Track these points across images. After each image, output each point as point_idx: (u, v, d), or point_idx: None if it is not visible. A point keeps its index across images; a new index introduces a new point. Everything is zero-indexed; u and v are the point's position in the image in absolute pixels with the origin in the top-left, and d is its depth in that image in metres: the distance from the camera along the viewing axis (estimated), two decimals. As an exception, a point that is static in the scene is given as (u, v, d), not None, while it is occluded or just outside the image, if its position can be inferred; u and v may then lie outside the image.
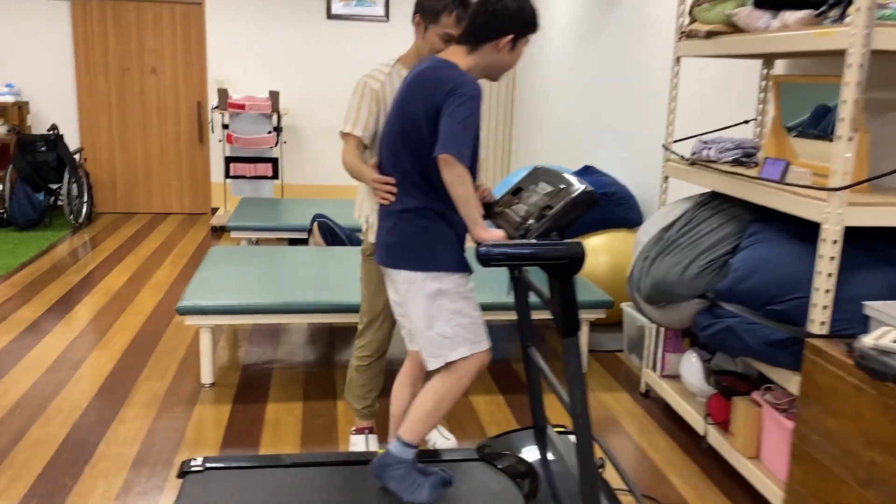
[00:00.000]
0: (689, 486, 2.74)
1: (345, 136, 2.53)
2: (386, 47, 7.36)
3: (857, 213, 2.19)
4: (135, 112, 7.26)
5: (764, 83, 3.20)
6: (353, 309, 3.39)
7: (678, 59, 3.19)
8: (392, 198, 2.24)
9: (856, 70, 2.08)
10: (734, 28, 2.79)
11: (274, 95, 6.73)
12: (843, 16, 2.26)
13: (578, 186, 2.01)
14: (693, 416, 2.97)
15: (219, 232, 6.72)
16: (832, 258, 2.20)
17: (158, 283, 5.04)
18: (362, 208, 2.70)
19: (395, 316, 2.48)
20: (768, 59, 3.17)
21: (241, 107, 6.68)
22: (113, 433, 2.97)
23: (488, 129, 7.06)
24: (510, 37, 2.14)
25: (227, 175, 6.78)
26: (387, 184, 2.24)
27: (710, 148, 3.06)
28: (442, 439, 2.92)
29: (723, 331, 2.51)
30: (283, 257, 4.12)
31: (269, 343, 4.00)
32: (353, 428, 2.89)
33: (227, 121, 6.93)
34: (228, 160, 6.77)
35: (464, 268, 2.21)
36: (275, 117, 6.87)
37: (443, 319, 2.19)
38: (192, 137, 7.38)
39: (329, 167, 7.56)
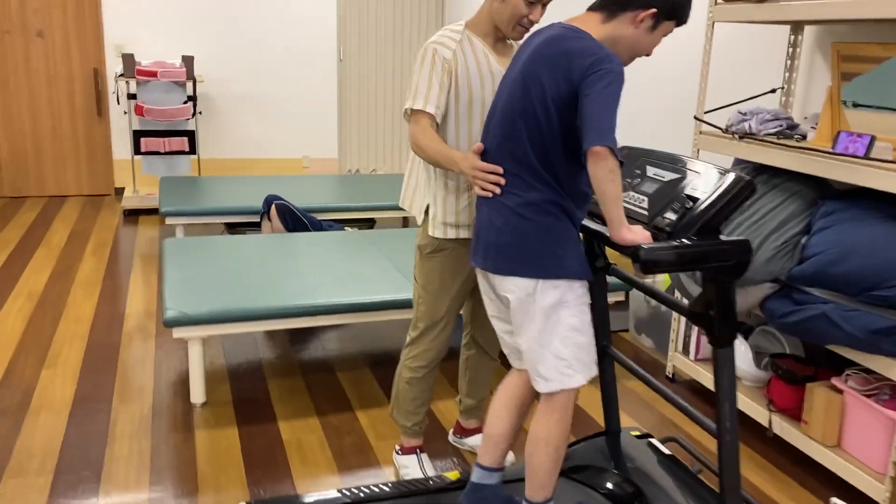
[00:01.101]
0: (762, 477, 2.62)
1: (415, 113, 2.15)
2: (311, 1, 6.79)
3: (978, 193, 2.08)
4: (19, 82, 6.32)
5: (791, 50, 3.07)
6: (372, 308, 3.02)
7: (713, 25, 2.99)
8: (498, 189, 1.90)
9: None
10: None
11: (188, 61, 6.03)
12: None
13: (726, 175, 1.76)
14: (744, 402, 2.84)
15: (133, 216, 6.01)
16: (949, 240, 2.08)
17: (87, 280, 4.39)
18: (416, 196, 2.34)
19: (497, 332, 2.14)
20: (797, 25, 3.04)
21: (153, 74, 5.94)
22: (109, 480, 2.48)
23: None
24: (652, 11, 1.83)
25: (136, 151, 6.05)
26: (494, 173, 1.91)
27: (750, 119, 2.90)
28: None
29: (815, 318, 2.37)
30: (257, 249, 3.64)
31: (248, 348, 3.55)
32: (399, 447, 2.56)
33: (133, 90, 6.16)
34: (137, 134, 6.04)
35: (587, 274, 1.91)
36: (189, 85, 6.18)
37: (559, 337, 1.88)
38: (90, 110, 6.53)
39: (248, 139, 6.94)
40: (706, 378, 3.08)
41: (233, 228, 5.39)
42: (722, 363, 1.79)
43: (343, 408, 3.00)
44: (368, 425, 2.87)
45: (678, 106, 3.96)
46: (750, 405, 2.82)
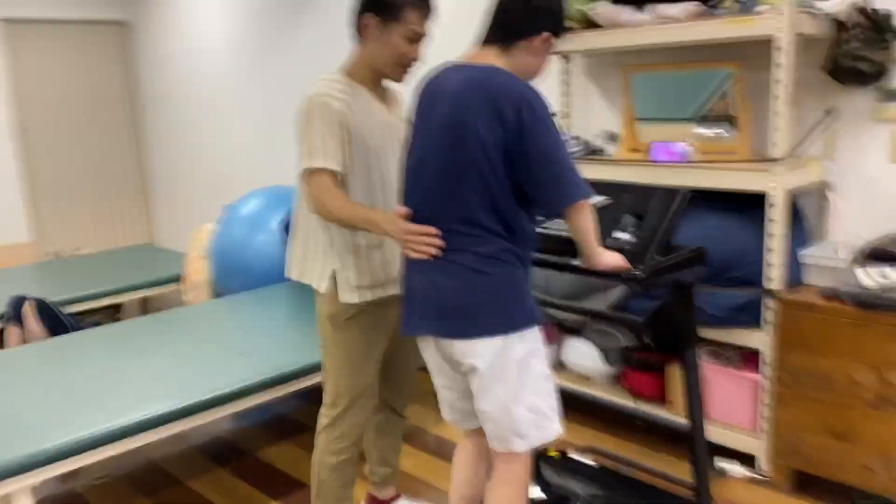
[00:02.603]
0: (653, 461, 2.83)
1: (315, 173, 1.93)
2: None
3: (791, 178, 2.50)
4: None
5: (565, 77, 3.39)
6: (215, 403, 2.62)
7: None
8: (434, 251, 1.77)
9: (789, 53, 2.36)
10: (589, 24, 2.90)
11: None
12: (717, 5, 2.54)
13: (676, 192, 1.90)
14: (607, 398, 3.04)
15: None
16: (776, 220, 2.48)
17: None
18: (312, 263, 2.11)
19: (447, 399, 1.99)
20: (565, 55, 3.36)
21: None
22: None
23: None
24: (546, 35, 1.83)
25: None
26: (428, 234, 1.77)
27: (556, 142, 3.14)
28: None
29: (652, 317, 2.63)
30: (45, 362, 2.94)
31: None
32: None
33: None
34: None
35: (541, 316, 1.85)
36: None
37: (532, 389, 1.80)
38: None
39: None
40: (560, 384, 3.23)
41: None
42: (689, 363, 1.91)
43: (219, 522, 2.56)
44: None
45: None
46: (611, 399, 3.03)
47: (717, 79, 2.74)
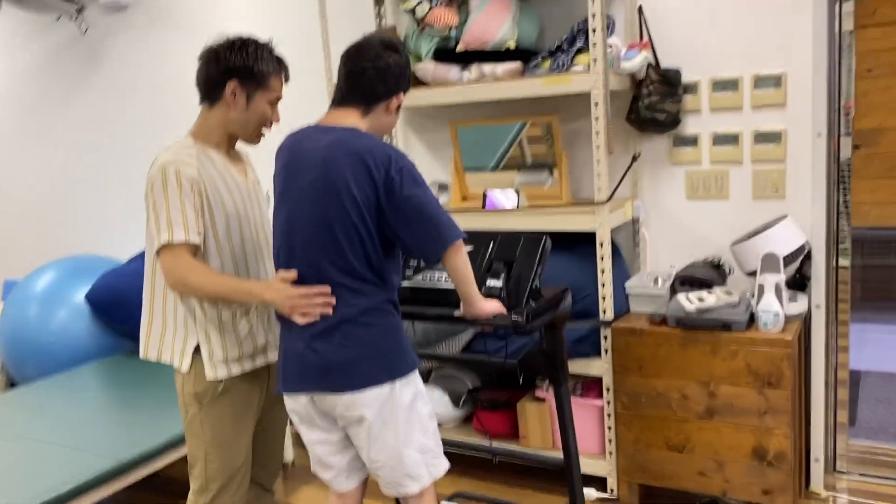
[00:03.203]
0: (515, 496, 2.92)
1: (173, 247, 1.82)
2: None
3: (613, 218, 2.76)
4: None
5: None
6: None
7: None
8: (329, 309, 1.79)
9: (602, 105, 2.62)
10: (415, 81, 3.01)
11: None
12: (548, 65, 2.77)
13: (542, 238, 2.02)
14: (463, 440, 3.10)
15: None
16: (605, 257, 2.72)
17: None
18: (170, 340, 1.96)
19: (320, 457, 1.93)
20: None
21: None
22: None
23: None
24: (400, 95, 1.93)
25: None
26: (320, 294, 1.79)
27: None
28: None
29: (527, 344, 2.77)
30: None
31: None
32: None
33: None
34: None
35: (418, 359, 1.92)
36: None
37: (420, 430, 1.88)
38: None
39: None
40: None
41: None
42: (564, 398, 2.03)
43: None
44: None
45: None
46: (464, 446, 3.10)
47: (514, 130, 2.99)
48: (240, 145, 2.09)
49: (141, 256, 3.73)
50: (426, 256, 1.84)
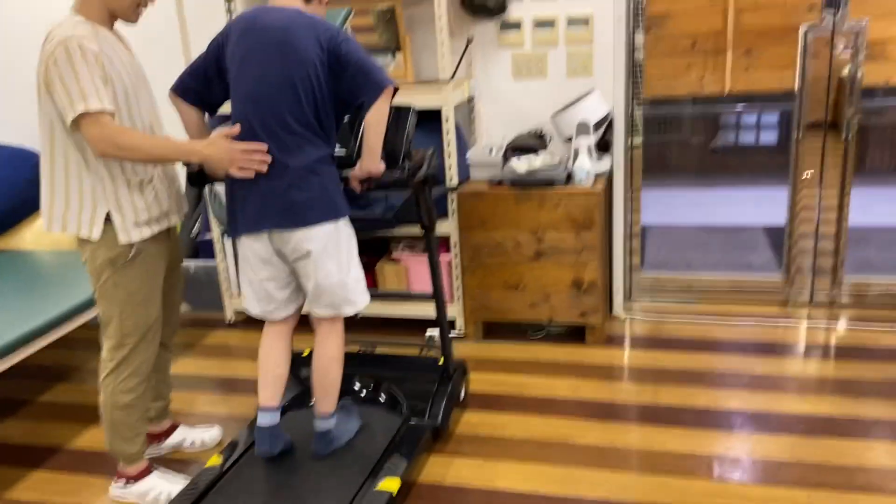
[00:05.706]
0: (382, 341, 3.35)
1: (93, 115, 1.94)
2: None
3: (455, 96, 3.14)
4: None
5: (230, 10, 3.57)
6: None
7: None
8: (264, 167, 2.09)
9: (444, -6, 2.94)
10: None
11: None
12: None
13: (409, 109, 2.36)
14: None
15: None
16: (450, 131, 3.12)
17: None
18: (76, 210, 2.10)
19: (267, 291, 2.25)
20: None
21: None
22: None
23: None
24: None
25: None
26: (257, 150, 2.09)
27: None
28: (200, 439, 2.67)
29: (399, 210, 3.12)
30: None
31: None
32: (123, 479, 2.36)
33: None
34: None
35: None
36: None
37: (354, 262, 2.27)
38: None
39: None
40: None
41: None
42: (433, 241, 2.45)
43: None
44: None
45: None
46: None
47: (342, 14, 3.24)
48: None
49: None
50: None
